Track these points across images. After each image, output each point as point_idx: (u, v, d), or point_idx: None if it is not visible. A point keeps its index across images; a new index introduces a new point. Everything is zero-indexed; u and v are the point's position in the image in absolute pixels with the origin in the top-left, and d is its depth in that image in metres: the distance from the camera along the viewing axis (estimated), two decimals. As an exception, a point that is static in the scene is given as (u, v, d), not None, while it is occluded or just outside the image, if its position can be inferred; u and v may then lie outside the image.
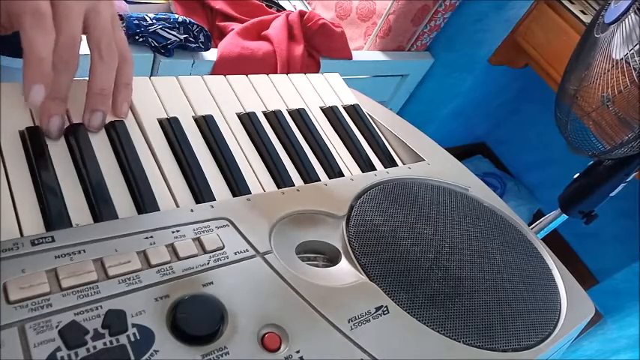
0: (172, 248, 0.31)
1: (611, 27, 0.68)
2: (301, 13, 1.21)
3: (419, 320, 0.34)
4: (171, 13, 1.09)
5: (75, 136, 0.35)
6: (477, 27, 1.40)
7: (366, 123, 0.52)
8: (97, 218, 0.32)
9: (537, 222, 0.91)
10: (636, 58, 0.63)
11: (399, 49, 1.42)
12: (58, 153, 0.34)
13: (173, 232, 0.32)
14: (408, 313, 0.35)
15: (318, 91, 0.52)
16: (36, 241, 0.28)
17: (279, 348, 0.29)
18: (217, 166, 0.40)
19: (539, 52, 1.33)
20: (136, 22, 0.93)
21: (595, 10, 1.11)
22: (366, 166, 0.48)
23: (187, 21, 0.98)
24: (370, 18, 1.38)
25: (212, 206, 0.35)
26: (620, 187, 0.77)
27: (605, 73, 0.67)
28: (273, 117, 0.46)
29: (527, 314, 0.40)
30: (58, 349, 0.24)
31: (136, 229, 0.31)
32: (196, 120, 0.42)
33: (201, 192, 0.37)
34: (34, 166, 0.32)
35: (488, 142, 2.08)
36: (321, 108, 0.51)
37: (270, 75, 0.50)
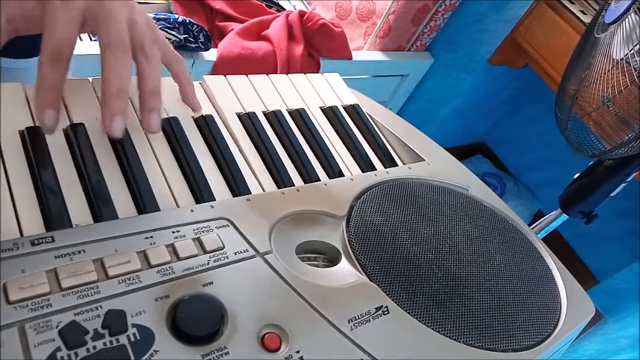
0: (172, 248, 0.31)
1: (612, 27, 0.68)
2: (301, 13, 1.21)
3: (419, 320, 0.34)
4: (171, 13, 1.09)
5: (75, 136, 0.35)
6: (476, 27, 1.40)
7: (366, 123, 0.52)
8: (97, 218, 0.32)
9: (537, 222, 0.91)
10: (636, 58, 0.63)
11: (398, 49, 1.42)
12: (58, 153, 0.34)
13: (173, 232, 0.32)
14: (408, 313, 0.35)
15: (318, 91, 0.52)
16: (36, 241, 0.28)
17: (279, 348, 0.29)
18: (217, 166, 0.40)
19: (539, 52, 1.33)
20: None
21: (595, 10, 1.11)
22: (366, 166, 0.48)
23: (187, 21, 0.99)
24: (370, 18, 1.38)
25: (212, 206, 0.35)
26: (620, 187, 0.77)
27: (605, 73, 0.67)
28: (273, 117, 0.46)
29: (528, 314, 0.40)
30: (58, 349, 0.24)
31: (136, 229, 0.31)
32: (196, 120, 0.42)
33: (201, 192, 0.37)
34: (34, 166, 0.32)
35: (488, 142, 2.08)
36: (321, 108, 0.51)
37: (270, 75, 0.50)
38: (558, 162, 1.73)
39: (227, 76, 0.47)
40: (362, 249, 0.38)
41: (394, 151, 0.53)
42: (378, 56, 1.38)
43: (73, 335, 0.25)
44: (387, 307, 0.34)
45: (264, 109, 0.47)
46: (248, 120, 0.44)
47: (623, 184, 0.77)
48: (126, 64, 0.33)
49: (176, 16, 0.99)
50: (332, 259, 0.38)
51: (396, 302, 0.35)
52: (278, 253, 0.34)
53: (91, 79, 0.38)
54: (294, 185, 0.41)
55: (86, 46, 0.88)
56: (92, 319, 0.26)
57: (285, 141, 0.45)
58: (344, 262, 0.37)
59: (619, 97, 0.65)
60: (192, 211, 0.34)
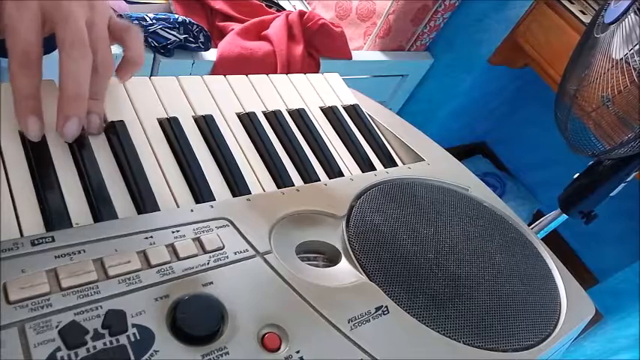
0: (172, 248, 0.31)
1: (611, 27, 0.68)
2: (301, 13, 1.21)
3: (419, 320, 0.34)
4: (171, 13, 1.09)
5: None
6: (476, 27, 1.40)
7: (365, 123, 0.52)
8: (97, 218, 0.32)
9: (537, 222, 0.91)
10: (636, 58, 0.63)
11: (398, 49, 1.42)
12: (58, 153, 0.34)
13: (173, 232, 0.32)
14: (408, 313, 0.35)
15: (318, 91, 0.52)
16: (36, 241, 0.28)
17: (279, 348, 0.29)
18: (217, 166, 0.40)
19: (539, 52, 1.33)
20: (136, 22, 0.93)
21: (595, 10, 1.10)
22: (366, 166, 0.48)
23: (187, 21, 0.98)
24: (370, 18, 1.38)
25: (212, 206, 0.35)
26: (620, 187, 0.77)
27: (605, 73, 0.67)
28: (273, 117, 0.46)
29: (528, 314, 0.40)
30: (58, 349, 0.24)
31: (136, 229, 0.31)
32: (196, 120, 0.42)
33: (201, 192, 0.37)
34: (34, 166, 0.32)
35: (488, 142, 2.08)
36: (321, 108, 0.51)
37: (270, 75, 0.50)
38: (558, 162, 1.73)
39: (227, 76, 0.47)
40: (362, 249, 0.38)
41: (394, 151, 0.53)
42: (378, 56, 1.38)
43: (73, 335, 0.25)
44: (387, 307, 0.34)
45: (264, 109, 0.47)
46: (248, 120, 0.44)
47: (622, 184, 0.77)
48: (84, 66, 0.32)
49: (176, 16, 0.99)
50: (332, 259, 0.38)
51: (396, 302, 0.35)
52: (278, 253, 0.34)
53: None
54: (294, 185, 0.41)
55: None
56: (92, 319, 0.26)
57: (285, 141, 0.45)
58: (344, 262, 0.37)
59: (619, 97, 0.65)
60: (192, 211, 0.34)
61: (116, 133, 0.37)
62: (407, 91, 1.57)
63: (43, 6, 0.31)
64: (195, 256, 0.31)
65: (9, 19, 0.30)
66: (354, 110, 0.53)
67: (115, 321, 0.26)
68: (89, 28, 0.33)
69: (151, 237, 0.31)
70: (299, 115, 0.48)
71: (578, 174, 0.82)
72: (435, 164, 0.51)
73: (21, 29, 0.30)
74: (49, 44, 0.32)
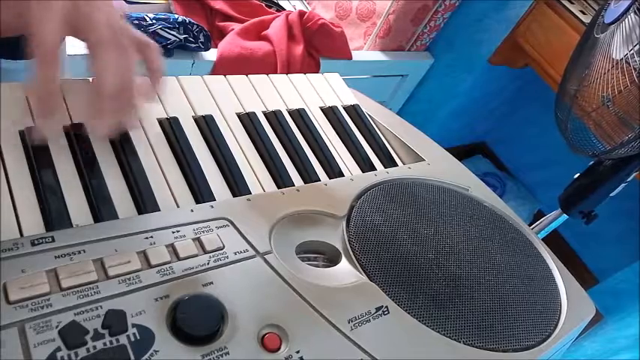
0: (172, 248, 0.31)
1: (611, 27, 0.68)
2: (301, 13, 1.21)
3: (419, 320, 0.34)
4: (171, 13, 1.09)
5: (75, 136, 0.35)
6: (476, 27, 1.40)
7: (366, 123, 0.52)
8: (97, 218, 0.32)
9: (538, 222, 0.91)
10: (636, 58, 0.63)
11: (398, 49, 1.42)
12: (58, 153, 0.34)
13: (173, 233, 0.32)
14: (408, 313, 0.35)
15: (318, 91, 0.52)
16: (36, 241, 0.28)
17: (279, 348, 0.29)
18: (217, 166, 0.40)
19: (539, 52, 1.33)
20: (136, 22, 0.93)
21: (595, 10, 1.10)
22: (366, 166, 0.48)
23: (187, 21, 0.98)
24: (370, 18, 1.38)
25: (212, 206, 0.35)
26: (620, 187, 0.77)
27: (605, 73, 0.67)
28: (273, 117, 0.46)
29: (528, 314, 0.40)
30: (58, 349, 0.24)
31: (136, 229, 0.31)
32: (196, 120, 0.42)
33: (201, 192, 0.37)
34: (34, 166, 0.32)
35: (488, 142, 2.08)
36: (321, 108, 0.51)
37: (270, 75, 0.50)
38: (558, 162, 1.73)
39: (227, 76, 0.47)
40: (362, 249, 0.38)
41: (394, 151, 0.53)
42: (378, 56, 1.38)
43: (73, 335, 0.25)
44: (387, 307, 0.34)
45: (264, 109, 0.47)
46: (248, 120, 0.44)
47: (623, 184, 0.77)
48: (114, 63, 0.32)
49: (176, 16, 0.99)
50: (332, 259, 0.38)
51: (396, 302, 0.35)
52: (278, 253, 0.34)
53: (91, 79, 0.38)
54: (294, 185, 0.41)
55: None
56: (92, 319, 0.26)
57: (285, 141, 0.45)
58: (344, 262, 0.37)
59: (619, 97, 0.65)
60: (192, 211, 0.34)
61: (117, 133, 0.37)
62: (407, 91, 1.57)
63: (68, 11, 0.32)
64: (196, 256, 0.31)
65: (33, 20, 0.31)
66: (354, 110, 0.53)
67: (115, 321, 0.26)
68: (115, 33, 0.34)
69: (151, 237, 0.31)
70: (299, 115, 0.48)
71: (578, 174, 0.82)
72: (435, 164, 0.51)
73: (43, 28, 0.31)
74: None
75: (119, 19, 0.35)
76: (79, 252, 0.28)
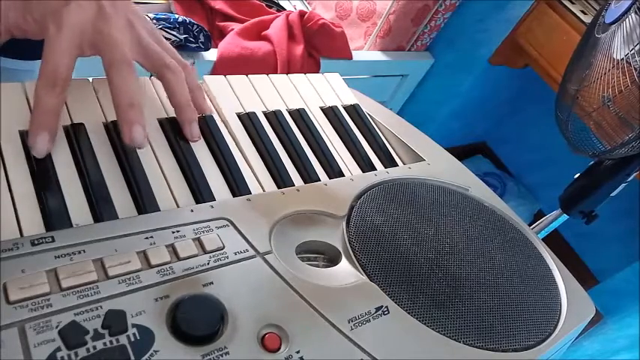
0: (172, 248, 0.31)
1: (612, 27, 0.68)
2: (301, 13, 1.21)
3: (419, 320, 0.34)
4: (171, 13, 1.09)
5: (75, 136, 0.35)
6: (477, 27, 1.40)
7: (366, 123, 0.52)
8: (97, 218, 0.32)
9: (538, 222, 0.91)
10: (637, 58, 0.63)
11: (399, 49, 1.42)
12: (58, 153, 0.34)
13: (173, 233, 0.32)
14: (409, 313, 0.35)
15: (318, 91, 0.52)
16: (36, 241, 0.28)
17: (279, 348, 0.29)
18: (217, 166, 0.40)
19: (539, 52, 1.33)
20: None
21: (595, 10, 1.11)
22: (366, 166, 0.48)
23: (187, 21, 0.99)
24: (370, 18, 1.38)
25: (212, 206, 0.35)
26: (620, 187, 0.77)
27: (605, 73, 0.67)
28: (273, 117, 0.46)
29: (528, 314, 0.40)
30: (58, 349, 0.24)
31: (136, 229, 0.31)
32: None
33: (201, 192, 0.37)
34: (34, 166, 0.32)
35: (488, 142, 2.08)
36: (321, 108, 0.51)
37: (270, 75, 0.50)
38: (558, 162, 1.73)
39: (227, 76, 0.47)
40: (362, 249, 0.38)
41: (394, 151, 0.53)
42: (378, 56, 1.38)
43: (73, 335, 0.25)
44: (387, 307, 0.34)
45: (264, 109, 0.47)
46: (248, 120, 0.44)
47: (623, 184, 0.77)
48: (132, 77, 0.33)
49: (176, 16, 0.99)
50: (332, 259, 0.38)
51: (396, 302, 0.35)
52: (278, 253, 0.34)
53: (91, 79, 0.38)
54: (294, 185, 0.41)
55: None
56: (92, 319, 0.26)
57: (285, 141, 0.45)
58: (344, 262, 0.37)
59: (619, 97, 0.65)
60: (192, 211, 0.34)
61: (116, 133, 0.37)
62: (407, 91, 1.57)
63: (84, 32, 0.32)
64: (196, 256, 0.31)
65: (48, 35, 0.31)
66: (354, 110, 0.53)
67: (115, 321, 0.26)
68: (145, 53, 0.35)
69: (151, 237, 0.31)
70: (299, 115, 0.48)
71: (578, 174, 0.82)
72: (435, 164, 0.51)
73: (56, 50, 0.31)
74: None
75: (147, 31, 0.36)
76: (79, 252, 0.28)
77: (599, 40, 0.70)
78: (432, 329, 0.34)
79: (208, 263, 0.31)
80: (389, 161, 0.50)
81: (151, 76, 0.40)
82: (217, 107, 0.44)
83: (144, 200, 0.34)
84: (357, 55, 1.31)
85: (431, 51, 1.49)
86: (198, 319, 0.27)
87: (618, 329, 1.31)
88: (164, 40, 0.39)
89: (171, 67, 0.37)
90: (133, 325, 0.26)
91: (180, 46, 1.00)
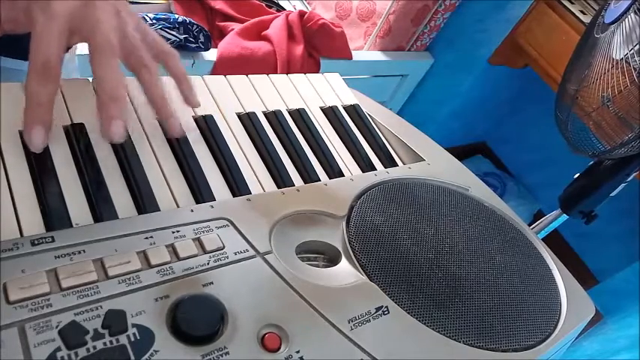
0: (172, 248, 0.31)
1: (611, 27, 0.68)
2: (301, 13, 1.21)
3: (419, 320, 0.34)
4: (171, 13, 1.09)
5: (75, 136, 0.35)
6: (477, 27, 1.40)
7: (366, 123, 0.52)
8: (97, 218, 0.32)
9: (538, 222, 0.91)
10: (636, 58, 0.63)
11: (399, 49, 1.42)
12: (58, 153, 0.34)
13: (173, 233, 0.32)
14: (408, 313, 0.35)
15: (318, 91, 0.52)
16: (36, 241, 0.28)
17: (279, 348, 0.29)
18: (217, 166, 0.40)
19: (539, 52, 1.33)
20: (136, 22, 0.93)
21: (595, 10, 1.10)
22: (366, 166, 0.48)
23: (187, 21, 0.98)
24: (370, 18, 1.38)
25: (212, 206, 0.35)
26: (620, 187, 0.77)
27: (605, 73, 0.67)
28: (273, 117, 0.46)
29: (528, 314, 0.40)
30: (58, 349, 0.24)
31: (136, 229, 0.31)
32: (196, 120, 0.42)
33: (201, 192, 0.37)
34: (34, 166, 0.32)
35: (488, 142, 2.08)
36: (321, 108, 0.51)
37: (270, 75, 0.50)
38: (558, 162, 1.73)
39: (227, 76, 0.47)
40: (362, 249, 0.38)
41: (394, 151, 0.53)
42: (378, 56, 1.38)
43: (73, 335, 0.25)
44: (387, 307, 0.34)
45: (264, 109, 0.47)
46: (248, 120, 0.44)
47: (623, 184, 0.77)
48: (116, 67, 0.33)
49: (176, 16, 0.99)
50: (332, 259, 0.38)
51: (396, 302, 0.35)
52: (278, 253, 0.34)
53: (91, 78, 0.38)
54: (294, 185, 0.41)
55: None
56: (92, 319, 0.26)
57: (285, 141, 0.45)
58: (344, 262, 0.37)
59: (619, 97, 0.65)
60: (192, 211, 0.34)
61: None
62: (407, 91, 1.56)
63: (72, 19, 0.32)
64: (196, 256, 0.31)
65: (35, 25, 0.31)
66: (354, 110, 0.53)
67: (115, 321, 0.26)
68: (122, 39, 0.34)
69: (151, 237, 0.31)
70: (299, 115, 0.48)
71: (578, 174, 0.82)
72: (435, 164, 0.51)
73: (45, 39, 0.31)
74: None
75: (133, 24, 0.36)
76: (79, 252, 0.28)
77: (598, 40, 0.70)
78: (432, 329, 0.34)
79: (208, 263, 0.31)
80: (389, 161, 0.50)
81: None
82: (217, 107, 0.44)
83: (144, 200, 0.34)
84: (357, 55, 1.31)
85: (431, 51, 1.49)
86: (198, 319, 0.27)
87: (618, 329, 1.31)
88: (151, 32, 0.39)
89: (149, 67, 0.36)
90: (133, 325, 0.26)
91: (181, 46, 1.00)
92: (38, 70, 0.30)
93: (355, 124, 0.52)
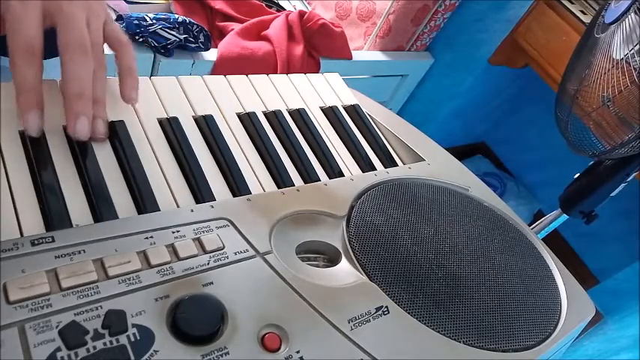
0: (172, 248, 0.31)
1: (612, 27, 0.68)
2: (301, 13, 1.21)
3: (419, 320, 0.34)
4: (171, 13, 1.09)
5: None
6: (476, 27, 1.40)
7: (366, 123, 0.52)
8: (97, 218, 0.32)
9: (538, 222, 0.91)
10: (636, 58, 0.63)
11: (398, 49, 1.42)
12: (58, 153, 0.34)
13: (173, 233, 0.32)
14: (408, 313, 0.35)
15: (318, 91, 0.52)
16: (36, 241, 0.28)
17: (279, 348, 0.29)
18: (217, 166, 0.40)
19: (539, 52, 1.33)
20: (136, 22, 0.93)
21: (595, 10, 1.10)
22: (366, 166, 0.48)
23: (187, 21, 0.98)
24: (370, 18, 1.38)
25: (212, 206, 0.35)
26: (620, 187, 0.77)
27: (605, 73, 0.67)
28: (273, 117, 0.46)
29: (528, 314, 0.40)
30: (58, 349, 0.24)
31: (136, 229, 0.31)
32: (196, 120, 0.42)
33: (201, 192, 0.37)
34: (34, 166, 0.32)
35: (488, 142, 2.08)
36: (321, 108, 0.51)
37: (270, 75, 0.50)
38: (558, 162, 1.73)
39: (227, 76, 0.47)
40: (362, 249, 0.38)
41: (394, 151, 0.53)
42: (378, 56, 1.38)
43: (73, 335, 0.25)
44: (387, 307, 0.34)
45: (264, 109, 0.47)
46: (248, 120, 0.44)
47: (623, 184, 0.77)
48: (85, 66, 0.33)
49: (176, 16, 0.99)
50: (332, 259, 0.38)
51: (396, 302, 0.35)
52: (278, 253, 0.34)
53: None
54: (294, 185, 0.41)
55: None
56: (92, 319, 0.26)
57: (285, 141, 0.45)
58: (344, 262, 0.37)
59: (619, 97, 0.65)
60: (192, 211, 0.34)
61: (116, 133, 0.37)
62: (407, 91, 1.56)
63: (46, 6, 0.32)
64: (196, 256, 0.31)
65: (13, 14, 0.31)
66: (354, 110, 0.53)
67: (115, 321, 0.26)
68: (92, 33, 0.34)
69: (151, 237, 0.31)
70: (299, 115, 0.48)
71: (578, 174, 0.82)
72: (435, 164, 0.51)
73: (24, 23, 0.31)
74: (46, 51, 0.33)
75: (100, 17, 0.36)
76: (79, 252, 0.28)
77: (598, 40, 0.70)
78: (432, 329, 0.34)
79: (208, 263, 0.31)
80: (389, 161, 0.50)
81: (150, 76, 0.40)
82: (217, 107, 0.44)
83: (144, 200, 0.34)
84: (356, 55, 1.31)
85: (431, 51, 1.49)
86: (198, 319, 0.27)
87: (618, 329, 1.31)
88: (112, 22, 0.38)
89: (76, 50, 0.33)
90: (133, 325, 0.26)
91: (181, 46, 1.00)
92: (22, 51, 0.31)
93: (355, 124, 0.52)
